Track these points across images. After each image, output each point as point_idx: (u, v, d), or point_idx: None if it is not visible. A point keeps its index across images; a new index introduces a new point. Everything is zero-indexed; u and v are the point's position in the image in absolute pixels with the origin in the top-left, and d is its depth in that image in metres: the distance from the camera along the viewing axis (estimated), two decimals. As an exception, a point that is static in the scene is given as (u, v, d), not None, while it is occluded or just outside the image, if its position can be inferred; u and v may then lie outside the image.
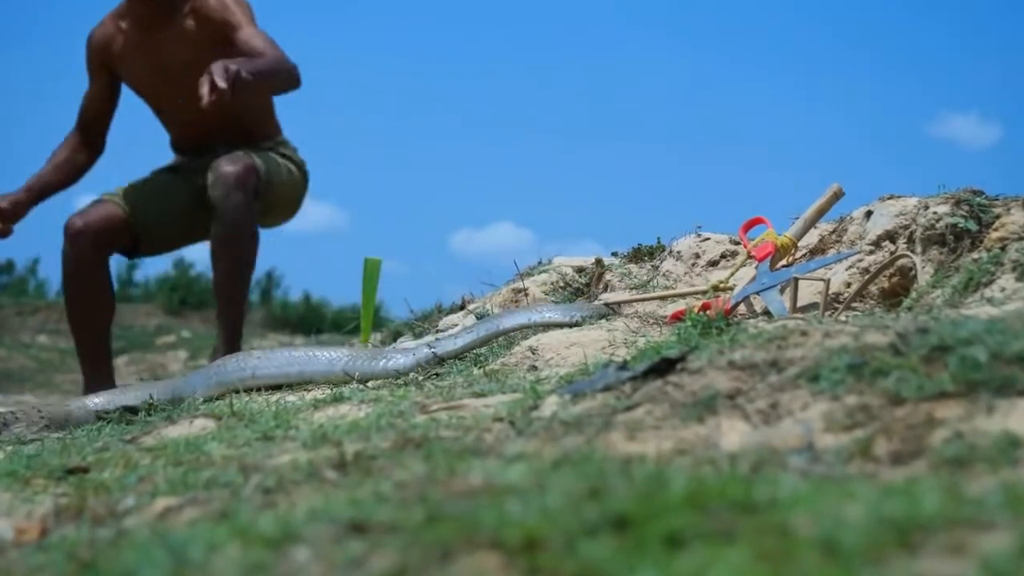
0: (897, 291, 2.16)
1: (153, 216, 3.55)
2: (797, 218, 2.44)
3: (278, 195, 3.56)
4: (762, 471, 0.94)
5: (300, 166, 3.76)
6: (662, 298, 2.43)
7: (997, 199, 2.15)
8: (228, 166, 3.30)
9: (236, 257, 3.31)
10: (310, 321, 12.99)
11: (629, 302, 2.44)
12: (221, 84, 2.97)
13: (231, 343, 3.31)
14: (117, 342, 9.54)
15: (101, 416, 2.26)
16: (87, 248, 3.46)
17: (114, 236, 3.49)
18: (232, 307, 3.35)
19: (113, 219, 3.49)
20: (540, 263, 3.05)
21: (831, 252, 2.42)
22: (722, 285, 2.39)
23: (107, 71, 3.66)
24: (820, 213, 2.44)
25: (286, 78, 3.39)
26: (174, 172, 3.70)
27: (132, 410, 2.17)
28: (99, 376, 3.46)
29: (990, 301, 1.77)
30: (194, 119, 3.52)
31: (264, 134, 3.63)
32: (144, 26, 3.53)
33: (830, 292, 2.18)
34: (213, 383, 2.29)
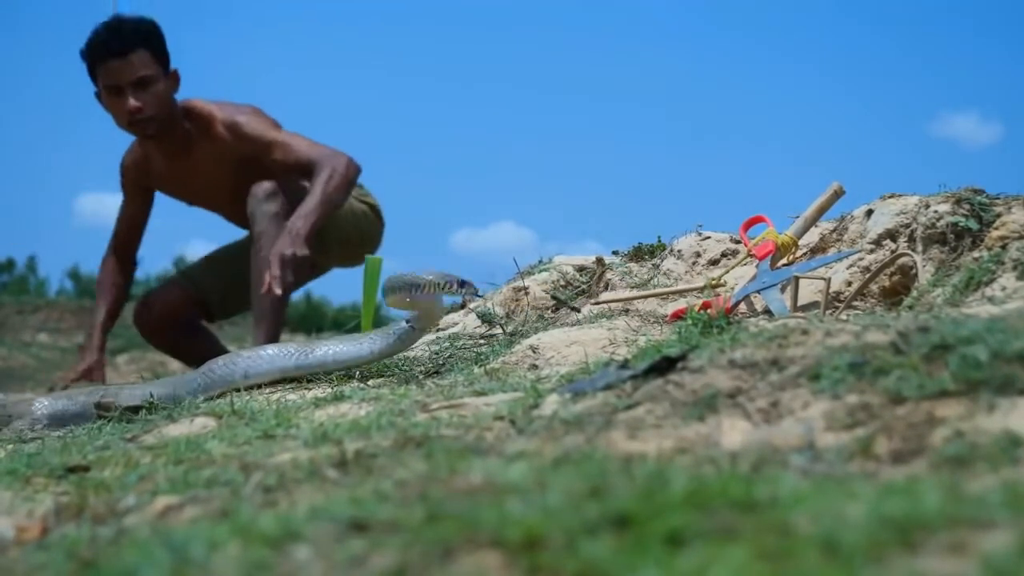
0: (898, 290, 2.16)
1: (218, 290, 3.84)
2: (798, 217, 2.43)
3: (340, 229, 3.72)
4: (763, 470, 0.94)
5: (372, 207, 3.96)
6: (653, 296, 2.43)
7: (998, 198, 2.15)
8: (261, 184, 3.49)
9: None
10: (311, 320, 12.99)
11: (626, 300, 2.44)
12: (279, 286, 3.13)
13: None
14: (117, 340, 9.54)
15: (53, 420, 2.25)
16: (152, 327, 3.83)
17: (177, 316, 3.81)
18: (271, 314, 3.47)
19: (174, 303, 3.81)
20: (541, 262, 3.05)
21: (832, 251, 2.42)
22: (713, 282, 2.39)
23: (143, 190, 3.87)
24: (821, 212, 2.44)
25: (345, 184, 3.49)
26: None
27: (134, 409, 2.17)
28: None
29: (991, 300, 1.76)
30: (239, 216, 3.73)
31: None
32: (168, 155, 3.69)
33: (831, 291, 2.18)
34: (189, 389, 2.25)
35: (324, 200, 3.39)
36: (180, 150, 3.70)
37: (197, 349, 3.77)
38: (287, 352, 2.21)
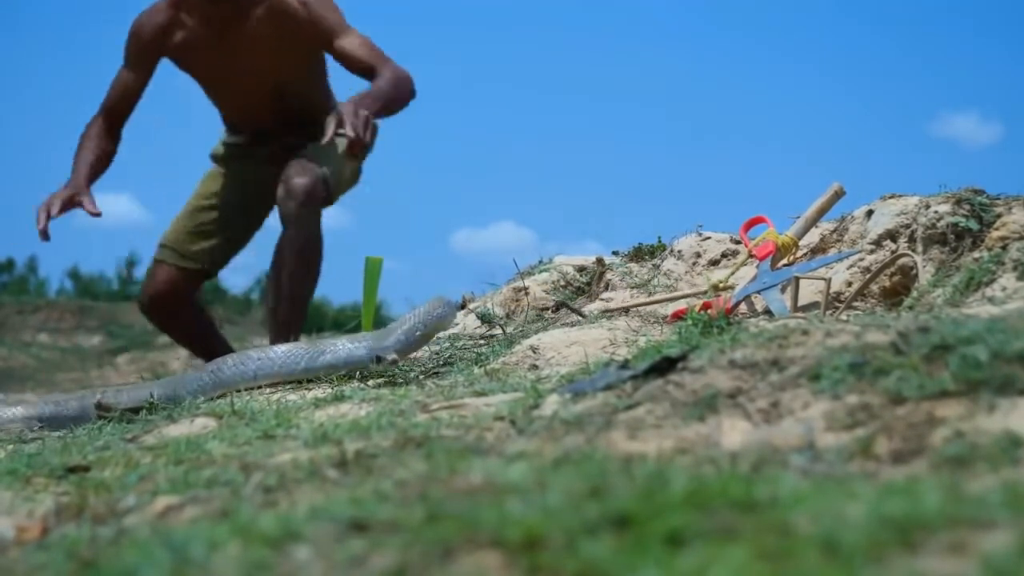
0: (898, 290, 2.16)
1: (211, 251, 3.59)
2: (798, 217, 2.43)
3: (343, 186, 3.56)
4: (763, 470, 0.94)
5: None
6: (661, 302, 2.43)
7: (998, 198, 2.15)
8: (298, 178, 3.24)
9: (307, 265, 3.35)
10: (311, 320, 12.99)
11: (634, 307, 2.43)
12: (357, 134, 2.87)
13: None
14: (117, 340, 9.57)
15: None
16: (164, 316, 3.63)
17: (183, 291, 3.59)
18: (295, 313, 3.38)
19: (172, 284, 3.56)
20: (541, 262, 3.05)
21: (832, 251, 2.42)
22: (721, 284, 2.38)
23: (154, 62, 3.47)
24: (821, 212, 2.44)
25: (406, 95, 3.28)
26: (221, 176, 3.63)
27: (135, 409, 2.17)
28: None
29: (991, 300, 1.77)
30: (257, 110, 3.50)
31: (325, 113, 3.40)
32: (213, 25, 3.36)
33: (831, 291, 2.18)
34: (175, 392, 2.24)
35: (387, 98, 3.14)
36: (232, 17, 3.33)
37: (204, 330, 3.68)
38: (297, 354, 2.20)
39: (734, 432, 1.09)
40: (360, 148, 2.92)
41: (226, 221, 3.60)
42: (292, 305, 3.36)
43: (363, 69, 3.29)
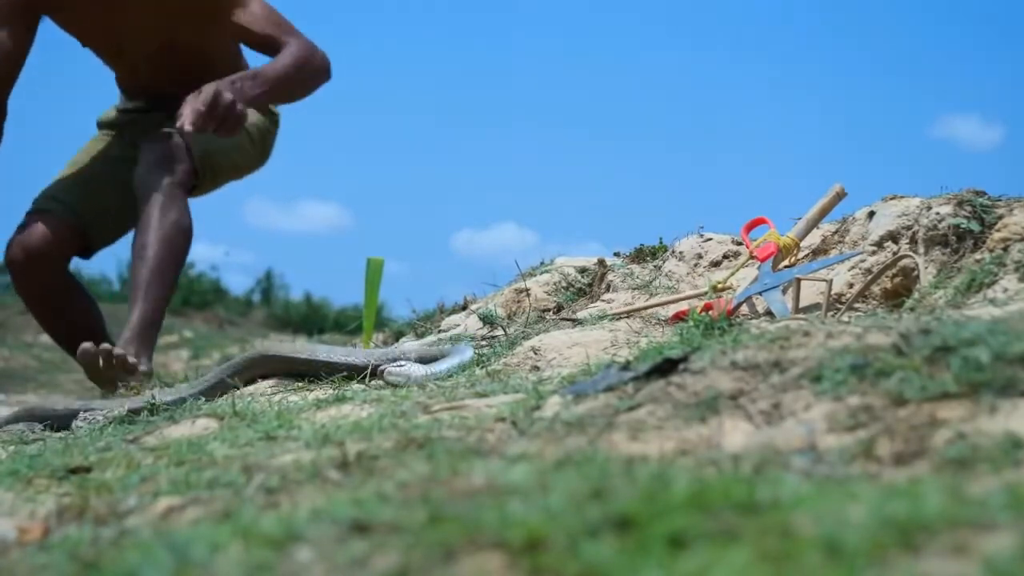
0: (899, 292, 2.16)
1: (98, 213, 3.18)
2: (799, 219, 2.43)
3: (232, 160, 3.26)
4: (765, 471, 0.94)
5: (271, 113, 3.34)
6: (664, 304, 2.43)
7: (1000, 200, 2.15)
8: (153, 160, 2.95)
9: (160, 256, 2.96)
10: (312, 321, 12.98)
11: (638, 310, 2.43)
12: (192, 124, 2.64)
13: (145, 344, 2.92)
14: (119, 342, 9.55)
15: None
16: (35, 279, 3.13)
17: (62, 252, 3.14)
18: (150, 306, 2.99)
19: (57, 237, 3.10)
20: (542, 263, 3.05)
21: (833, 253, 2.42)
22: (720, 285, 2.39)
23: (34, 16, 3.04)
24: (822, 214, 2.44)
25: (315, 76, 3.02)
26: (113, 139, 3.29)
27: (135, 410, 2.17)
28: None
29: (993, 302, 1.76)
30: (150, 71, 3.17)
31: None
32: None
33: (832, 292, 2.18)
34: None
35: (282, 80, 2.89)
36: None
37: (79, 306, 3.26)
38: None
39: (736, 433, 1.09)
40: (190, 135, 2.68)
41: (120, 188, 3.13)
42: (145, 302, 2.97)
43: (263, 44, 3.05)
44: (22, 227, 3.13)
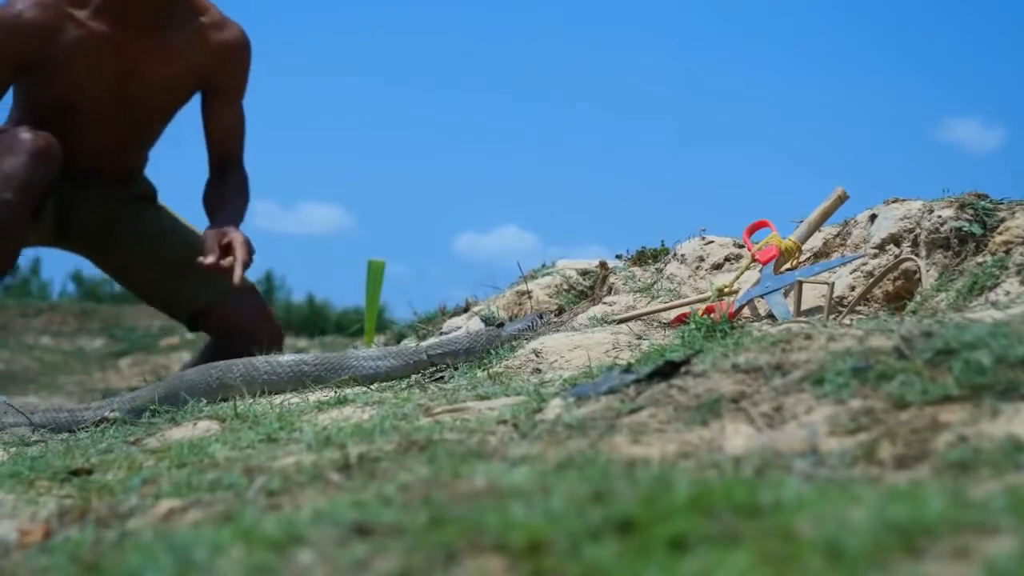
0: (901, 295, 2.16)
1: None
2: (801, 221, 2.43)
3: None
4: (766, 474, 0.94)
5: None
6: (667, 309, 2.42)
7: (1002, 203, 2.15)
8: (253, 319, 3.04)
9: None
10: (314, 323, 12.97)
11: (642, 315, 2.43)
12: (239, 276, 2.71)
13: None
14: (119, 344, 9.55)
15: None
16: (47, 175, 2.78)
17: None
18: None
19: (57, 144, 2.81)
20: (544, 266, 3.05)
21: (835, 255, 2.42)
22: (727, 289, 2.38)
23: (17, 65, 2.85)
24: (824, 216, 2.43)
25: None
26: None
27: (137, 411, 2.17)
28: None
29: (994, 305, 1.76)
30: (104, 150, 3.03)
31: (131, 179, 3.17)
32: (132, 27, 2.87)
33: (834, 295, 2.18)
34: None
35: (241, 217, 2.95)
36: (150, 27, 2.86)
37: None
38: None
39: (737, 436, 1.09)
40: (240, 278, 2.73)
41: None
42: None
43: (225, 151, 3.08)
44: (16, 130, 2.80)
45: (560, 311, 2.70)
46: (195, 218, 3.19)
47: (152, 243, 3.13)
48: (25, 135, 2.75)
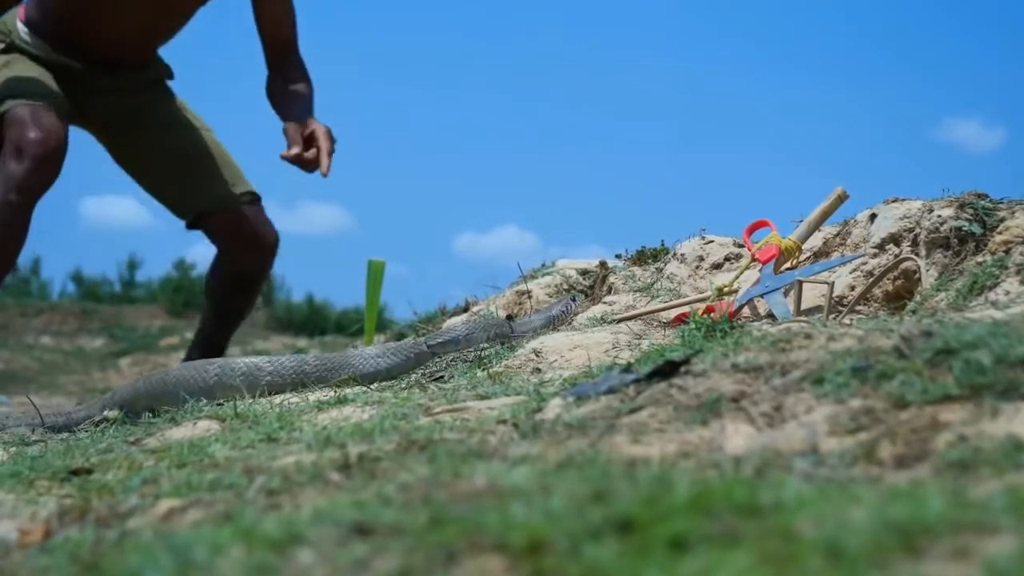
0: (901, 294, 2.16)
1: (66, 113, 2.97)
2: (801, 221, 2.43)
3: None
4: (766, 474, 0.94)
5: None
6: (667, 308, 2.42)
7: (1001, 202, 2.15)
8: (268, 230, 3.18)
9: None
10: (313, 323, 12.97)
11: (641, 315, 2.43)
12: (326, 165, 2.83)
13: None
14: (119, 343, 9.55)
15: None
16: (55, 172, 2.84)
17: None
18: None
19: (64, 134, 2.87)
20: (544, 265, 3.05)
21: (835, 255, 2.42)
22: (727, 289, 2.38)
23: None
24: (824, 216, 2.43)
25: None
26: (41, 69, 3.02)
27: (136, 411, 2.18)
28: None
29: (994, 304, 1.76)
30: (128, 36, 3.07)
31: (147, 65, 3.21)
32: None
33: (834, 295, 2.18)
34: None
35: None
36: None
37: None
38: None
39: (737, 436, 1.09)
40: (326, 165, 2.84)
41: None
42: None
43: (280, 42, 3.12)
44: (28, 122, 2.82)
45: (510, 317, 2.70)
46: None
47: (167, 134, 3.18)
48: (33, 135, 2.78)
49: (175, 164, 3.19)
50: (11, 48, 3.05)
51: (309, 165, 2.84)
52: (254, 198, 3.18)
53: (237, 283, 3.22)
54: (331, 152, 2.85)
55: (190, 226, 3.23)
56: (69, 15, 3.00)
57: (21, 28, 3.05)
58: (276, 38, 3.12)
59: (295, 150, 2.82)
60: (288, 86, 3.07)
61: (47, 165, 2.80)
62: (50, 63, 3.03)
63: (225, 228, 3.17)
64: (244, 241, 3.14)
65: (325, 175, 2.83)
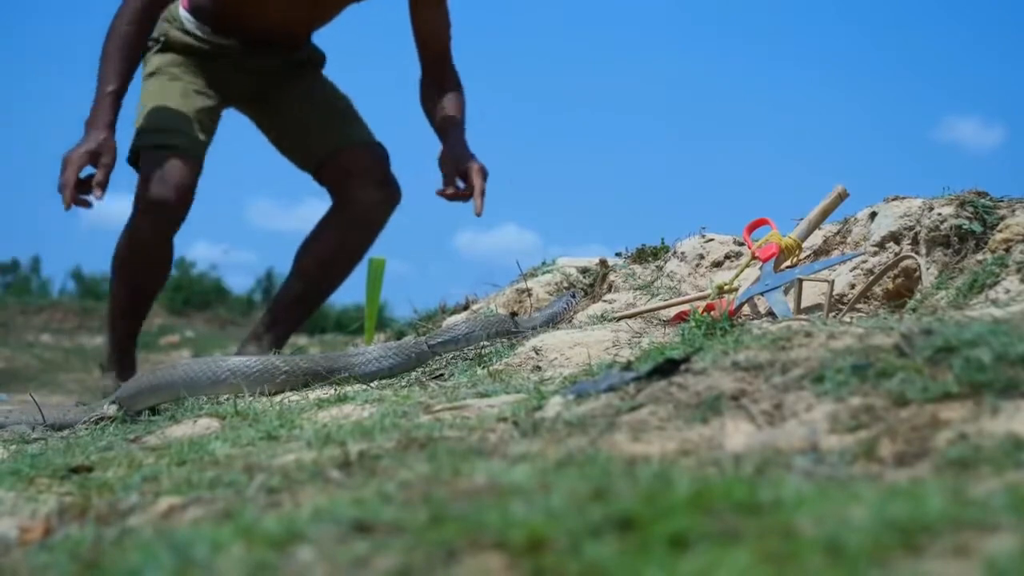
0: (901, 292, 2.16)
1: (203, 148, 3.12)
2: (801, 219, 2.43)
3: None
4: (766, 472, 0.93)
5: None
6: (668, 307, 2.42)
7: (1002, 201, 2.15)
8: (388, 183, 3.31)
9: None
10: (314, 320, 12.97)
11: (641, 313, 2.43)
12: (480, 206, 2.98)
13: None
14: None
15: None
16: (176, 223, 3.04)
17: (194, 191, 3.04)
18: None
19: (194, 173, 3.03)
20: (544, 264, 3.05)
21: (835, 253, 2.42)
22: (727, 287, 2.38)
23: None
24: (824, 214, 2.43)
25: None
26: (193, 68, 3.19)
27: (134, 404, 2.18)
28: (129, 355, 3.31)
29: (994, 303, 1.76)
30: (285, 20, 3.20)
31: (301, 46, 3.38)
32: None
33: (834, 293, 2.18)
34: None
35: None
36: None
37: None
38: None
39: (737, 434, 1.09)
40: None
41: (212, 117, 3.18)
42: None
43: (436, 50, 3.24)
44: (162, 168, 2.98)
45: (513, 315, 2.70)
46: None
47: (310, 93, 3.34)
48: (161, 191, 2.97)
49: (316, 110, 3.32)
50: (166, 47, 3.20)
51: (461, 199, 3.01)
52: (387, 153, 3.33)
53: (357, 221, 3.27)
54: (483, 192, 2.99)
55: (316, 176, 3.33)
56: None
57: (184, 15, 3.23)
58: (433, 47, 3.24)
59: (450, 190, 3.01)
60: (443, 96, 3.20)
61: (171, 222, 3.02)
62: (207, 45, 3.21)
63: (361, 162, 3.27)
64: (376, 179, 3.25)
65: (478, 215, 2.99)
